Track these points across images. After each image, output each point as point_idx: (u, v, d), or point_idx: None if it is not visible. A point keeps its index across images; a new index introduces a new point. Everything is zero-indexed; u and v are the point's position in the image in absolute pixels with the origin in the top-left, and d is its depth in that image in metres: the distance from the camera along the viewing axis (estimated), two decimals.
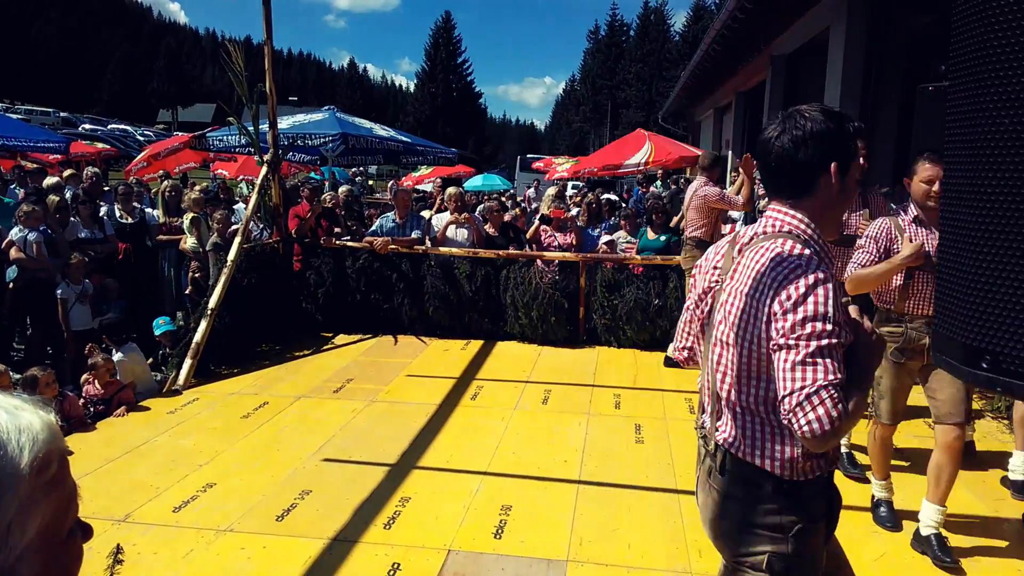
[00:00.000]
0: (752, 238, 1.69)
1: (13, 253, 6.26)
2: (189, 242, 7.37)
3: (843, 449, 4.07)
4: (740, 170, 5.96)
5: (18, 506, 0.78)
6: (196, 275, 7.24)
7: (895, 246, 3.25)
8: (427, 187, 16.56)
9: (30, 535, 0.79)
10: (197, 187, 11.63)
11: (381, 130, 10.67)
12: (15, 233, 6.30)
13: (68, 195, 7.85)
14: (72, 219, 7.03)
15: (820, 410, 1.39)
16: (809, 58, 12.07)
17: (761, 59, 14.04)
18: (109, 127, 38.77)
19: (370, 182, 22.20)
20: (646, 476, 3.96)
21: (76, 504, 0.88)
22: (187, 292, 7.35)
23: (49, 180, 8.37)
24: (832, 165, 1.57)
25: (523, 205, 13.29)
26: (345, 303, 7.10)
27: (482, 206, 8.97)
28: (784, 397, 1.45)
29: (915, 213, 3.30)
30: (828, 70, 10.00)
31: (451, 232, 7.18)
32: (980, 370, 0.93)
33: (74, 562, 0.88)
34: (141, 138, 34.16)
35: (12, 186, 9.40)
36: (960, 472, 3.21)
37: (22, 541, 0.78)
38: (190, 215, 7.52)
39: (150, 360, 6.14)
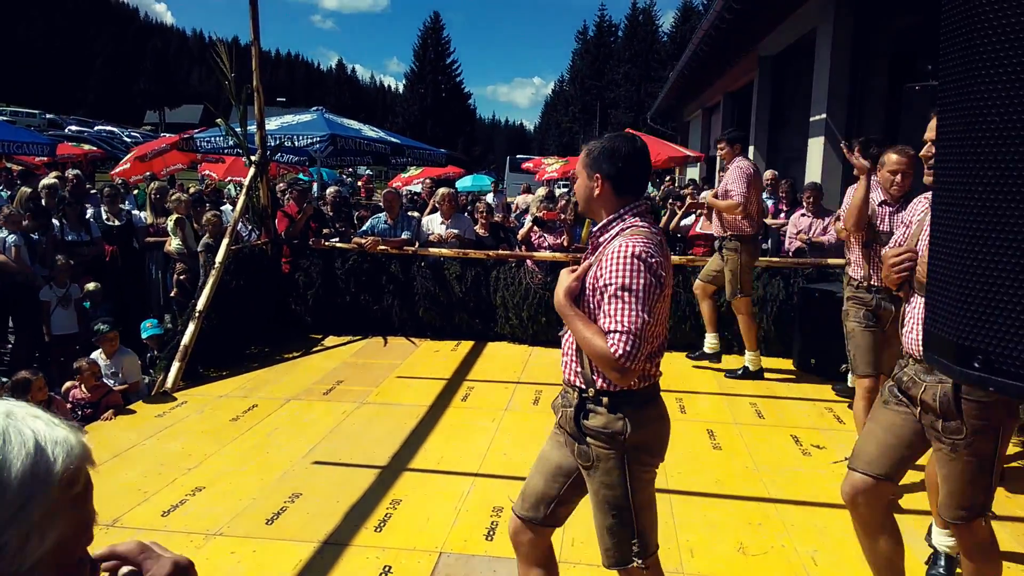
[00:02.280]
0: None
1: None
2: (173, 244, 7.31)
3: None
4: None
5: (43, 513, 0.79)
6: (181, 277, 7.18)
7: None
8: (416, 188, 16.51)
9: (47, 547, 0.80)
10: (192, 188, 11.57)
11: (370, 131, 10.66)
12: None
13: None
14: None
15: None
16: (796, 58, 12.14)
17: (749, 60, 14.11)
18: (96, 128, 38.40)
19: (359, 183, 22.09)
20: None
21: (91, 532, 0.89)
22: (172, 295, 7.30)
23: (46, 181, 8.27)
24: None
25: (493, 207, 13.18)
26: (334, 304, 7.07)
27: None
28: None
29: (883, 198, 3.85)
30: (815, 70, 10.06)
31: (441, 233, 7.15)
32: (972, 369, 0.93)
33: None
34: (128, 139, 33.88)
35: (0, 188, 9.30)
36: None
37: (39, 550, 0.79)
38: (174, 216, 7.46)
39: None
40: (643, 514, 2.15)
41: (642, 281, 1.95)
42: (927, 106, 4.41)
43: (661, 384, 2.20)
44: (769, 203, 9.25)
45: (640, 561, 2.13)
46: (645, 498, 2.15)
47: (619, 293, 1.95)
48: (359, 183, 19.99)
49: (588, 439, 2.11)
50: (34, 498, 0.78)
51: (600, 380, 2.08)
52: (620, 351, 1.91)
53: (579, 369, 2.12)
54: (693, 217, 7.52)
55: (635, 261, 1.96)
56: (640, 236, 2.02)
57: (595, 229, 2.15)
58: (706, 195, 5.88)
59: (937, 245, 1.04)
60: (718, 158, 4.82)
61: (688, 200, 7.65)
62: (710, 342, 5.98)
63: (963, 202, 0.95)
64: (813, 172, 9.82)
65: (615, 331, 1.93)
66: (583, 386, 2.12)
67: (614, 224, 2.10)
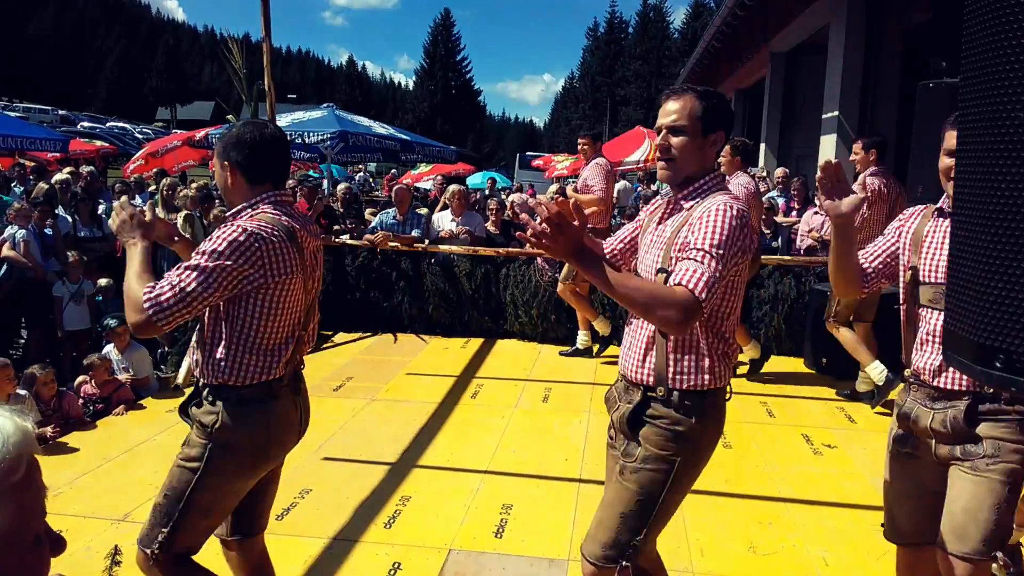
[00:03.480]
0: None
1: (4, 251, 6.25)
2: None
3: None
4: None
5: None
6: None
7: None
8: (426, 185, 16.53)
9: None
10: (195, 184, 11.59)
11: (380, 128, 10.68)
12: (7, 231, 6.29)
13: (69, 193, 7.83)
14: (61, 214, 7.00)
15: None
16: (808, 55, 12.08)
17: (760, 57, 14.03)
18: (108, 125, 38.66)
19: (384, 179, 22.11)
20: None
21: (43, 510, 0.88)
22: None
23: (59, 176, 8.32)
24: None
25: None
26: (345, 301, 7.08)
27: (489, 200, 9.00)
28: None
29: (940, 204, 2.08)
30: (828, 67, 9.99)
31: (451, 229, 7.15)
32: (993, 370, 0.92)
33: (37, 571, 0.87)
34: (140, 136, 34.08)
35: (13, 184, 9.36)
36: None
37: None
38: (184, 213, 7.48)
39: None
40: (192, 510, 1.97)
41: (226, 249, 1.82)
42: (941, 103, 4.37)
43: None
44: (780, 201, 9.20)
45: (158, 552, 1.95)
46: (208, 499, 1.99)
47: (196, 255, 1.83)
48: (383, 179, 20.03)
49: (191, 422, 2.09)
50: None
51: (209, 373, 2.02)
52: (152, 303, 1.78)
53: (199, 359, 2.06)
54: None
55: (238, 232, 1.85)
56: (258, 220, 1.92)
57: (227, 215, 2.05)
58: (568, 190, 6.11)
59: (959, 242, 1.02)
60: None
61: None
62: (583, 338, 6.29)
63: (986, 199, 0.93)
64: None
65: (163, 282, 1.80)
66: (199, 376, 2.07)
67: (244, 212, 1.99)
